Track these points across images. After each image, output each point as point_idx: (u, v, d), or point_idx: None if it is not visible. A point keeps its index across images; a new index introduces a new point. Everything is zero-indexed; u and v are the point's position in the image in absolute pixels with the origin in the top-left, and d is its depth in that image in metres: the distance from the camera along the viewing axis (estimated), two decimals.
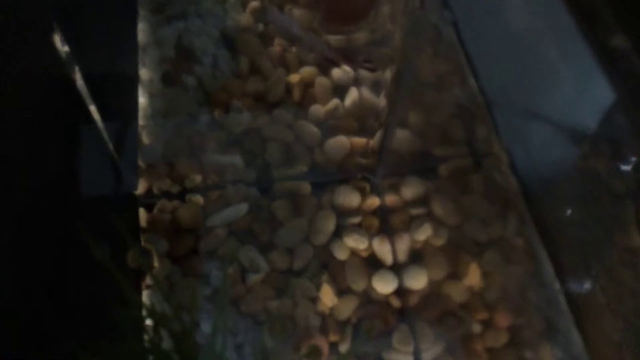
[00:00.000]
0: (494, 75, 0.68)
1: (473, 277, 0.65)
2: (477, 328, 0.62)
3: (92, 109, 0.56)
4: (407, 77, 0.63)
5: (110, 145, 0.61)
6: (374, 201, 0.69)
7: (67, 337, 0.40)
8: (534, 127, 0.66)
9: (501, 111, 0.69)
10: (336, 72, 0.76)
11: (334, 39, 0.74)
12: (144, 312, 0.42)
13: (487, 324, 0.63)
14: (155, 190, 0.68)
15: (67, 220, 0.48)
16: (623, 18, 0.54)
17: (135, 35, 0.79)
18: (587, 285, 0.61)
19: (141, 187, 0.68)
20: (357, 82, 0.76)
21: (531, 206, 0.63)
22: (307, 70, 0.76)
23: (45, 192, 0.45)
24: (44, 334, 0.38)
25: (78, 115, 0.55)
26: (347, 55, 0.70)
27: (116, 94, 0.69)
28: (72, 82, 0.52)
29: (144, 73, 0.76)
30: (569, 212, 0.61)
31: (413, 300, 0.63)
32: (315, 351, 0.58)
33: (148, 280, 0.61)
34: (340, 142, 0.71)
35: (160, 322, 0.42)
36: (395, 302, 0.63)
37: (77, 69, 0.52)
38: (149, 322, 0.46)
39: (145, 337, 0.44)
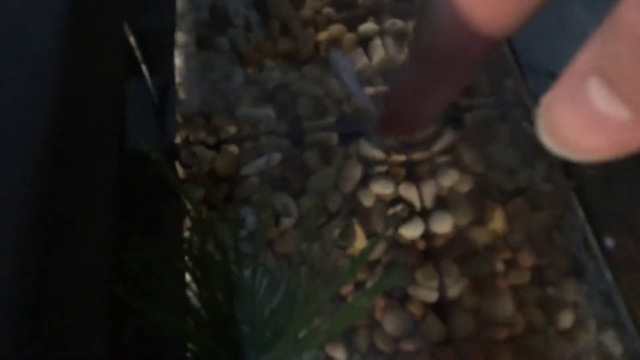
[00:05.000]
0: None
1: (497, 221, 0.68)
2: (500, 267, 0.65)
3: (144, 68, 0.60)
4: None
5: (156, 99, 0.66)
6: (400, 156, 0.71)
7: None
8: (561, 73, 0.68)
9: (530, 60, 0.71)
10: (363, 27, 0.79)
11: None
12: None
13: (510, 264, 0.65)
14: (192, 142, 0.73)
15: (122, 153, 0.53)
16: None
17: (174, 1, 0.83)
18: (620, 232, 0.62)
19: (179, 139, 0.72)
20: (382, 35, 0.78)
21: None
22: (336, 28, 0.79)
23: (104, 135, 0.49)
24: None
25: (134, 71, 0.60)
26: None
27: (157, 55, 0.74)
28: (130, 44, 0.57)
29: (180, 36, 0.80)
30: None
31: (438, 243, 0.66)
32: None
33: (187, 223, 0.65)
34: (368, 94, 0.74)
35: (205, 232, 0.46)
36: (421, 245, 0.66)
37: (130, 32, 0.57)
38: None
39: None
